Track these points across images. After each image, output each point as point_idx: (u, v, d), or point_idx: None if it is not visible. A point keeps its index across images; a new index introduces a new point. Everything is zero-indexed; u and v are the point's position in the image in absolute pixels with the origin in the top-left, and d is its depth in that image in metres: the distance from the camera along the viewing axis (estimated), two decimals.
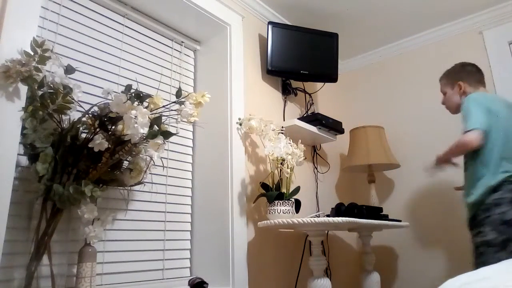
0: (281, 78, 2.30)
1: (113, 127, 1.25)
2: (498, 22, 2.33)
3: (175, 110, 1.33)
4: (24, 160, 1.21)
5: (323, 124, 2.18)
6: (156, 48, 1.87)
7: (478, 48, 2.36)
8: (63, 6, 1.50)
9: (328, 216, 1.70)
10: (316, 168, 2.42)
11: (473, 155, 1.64)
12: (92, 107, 1.29)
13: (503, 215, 1.51)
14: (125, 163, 1.38)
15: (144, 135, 1.19)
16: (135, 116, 1.16)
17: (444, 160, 1.80)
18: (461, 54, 2.33)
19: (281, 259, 1.98)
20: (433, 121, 2.44)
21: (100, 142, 1.18)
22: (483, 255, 1.54)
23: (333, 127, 2.26)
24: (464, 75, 1.82)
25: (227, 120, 1.85)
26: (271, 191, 1.74)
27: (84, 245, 1.25)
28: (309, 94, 2.50)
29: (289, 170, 1.73)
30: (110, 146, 1.21)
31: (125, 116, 1.17)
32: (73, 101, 1.19)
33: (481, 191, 1.57)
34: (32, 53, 1.10)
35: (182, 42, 2.00)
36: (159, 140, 1.23)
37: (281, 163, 1.74)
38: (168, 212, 1.75)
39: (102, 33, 1.63)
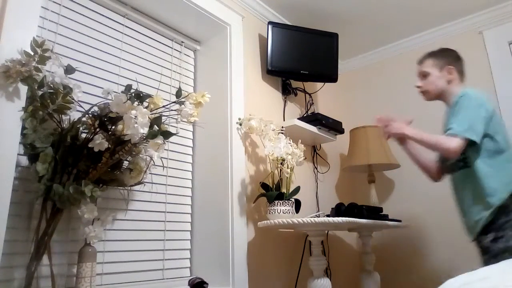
0: (281, 78, 2.30)
1: (113, 127, 1.25)
2: (498, 22, 2.33)
3: (175, 110, 1.33)
4: (24, 160, 1.21)
5: (323, 124, 2.18)
6: (156, 48, 1.87)
7: (478, 48, 2.36)
8: (63, 6, 1.50)
9: (328, 216, 1.70)
10: (316, 168, 2.42)
11: (478, 158, 1.54)
12: (92, 107, 1.29)
13: None
14: (125, 163, 1.38)
15: (144, 135, 1.19)
16: (135, 116, 1.16)
17: (404, 137, 1.77)
18: (461, 54, 2.32)
19: (281, 259, 1.98)
20: (433, 121, 2.44)
21: (100, 142, 1.18)
22: None
23: (333, 127, 2.26)
24: (454, 62, 1.72)
25: (227, 120, 1.85)
26: (271, 191, 1.74)
27: (84, 245, 1.25)
28: (309, 94, 2.50)
29: (289, 170, 1.73)
30: (110, 146, 1.21)
31: (125, 116, 1.17)
32: (73, 101, 1.19)
33: (504, 195, 1.48)
34: (32, 53, 1.10)
35: (182, 42, 2.00)
36: (159, 140, 1.23)
37: (281, 163, 1.74)
38: (168, 212, 1.75)
39: (102, 33, 1.63)
